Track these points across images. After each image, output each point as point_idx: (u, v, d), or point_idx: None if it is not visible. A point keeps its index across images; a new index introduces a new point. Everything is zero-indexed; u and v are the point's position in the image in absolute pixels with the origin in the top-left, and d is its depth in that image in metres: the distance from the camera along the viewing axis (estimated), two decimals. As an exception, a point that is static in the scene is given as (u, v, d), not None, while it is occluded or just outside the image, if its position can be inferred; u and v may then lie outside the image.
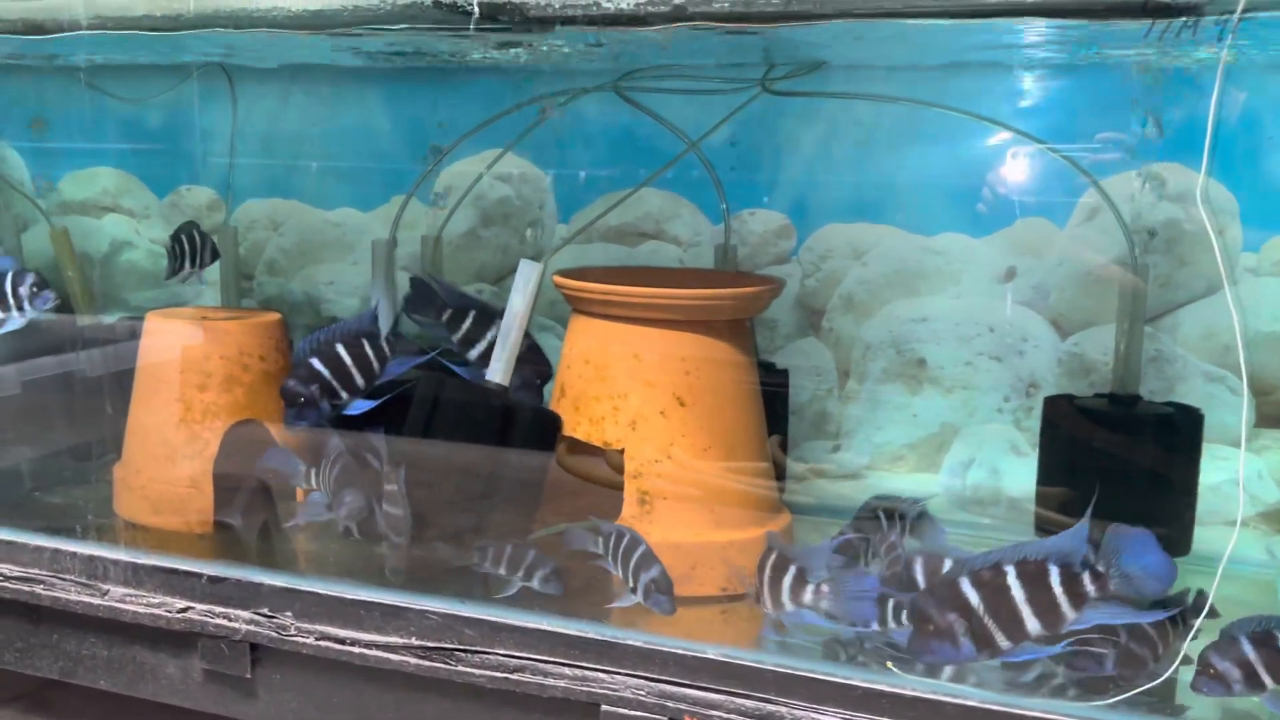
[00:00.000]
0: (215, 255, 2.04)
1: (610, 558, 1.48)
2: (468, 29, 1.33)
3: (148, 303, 1.93)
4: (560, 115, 2.00)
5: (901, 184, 1.88)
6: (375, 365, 1.64)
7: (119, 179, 2.42)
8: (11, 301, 1.73)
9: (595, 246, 2.07)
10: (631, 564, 1.44)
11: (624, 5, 1.27)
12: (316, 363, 1.60)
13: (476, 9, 1.32)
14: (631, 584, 1.44)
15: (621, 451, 1.58)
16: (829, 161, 1.92)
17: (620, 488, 1.60)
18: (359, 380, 1.62)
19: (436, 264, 2.09)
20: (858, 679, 1.27)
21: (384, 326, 1.81)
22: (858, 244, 1.93)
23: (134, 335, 1.88)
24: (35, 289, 1.73)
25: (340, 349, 1.61)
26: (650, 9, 1.26)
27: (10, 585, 1.61)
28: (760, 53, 1.75)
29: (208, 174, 2.32)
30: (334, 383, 1.60)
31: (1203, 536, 1.66)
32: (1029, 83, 1.80)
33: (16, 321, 1.76)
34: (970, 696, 1.24)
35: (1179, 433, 1.71)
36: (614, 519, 1.56)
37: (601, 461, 1.79)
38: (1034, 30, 1.47)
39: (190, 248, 2.00)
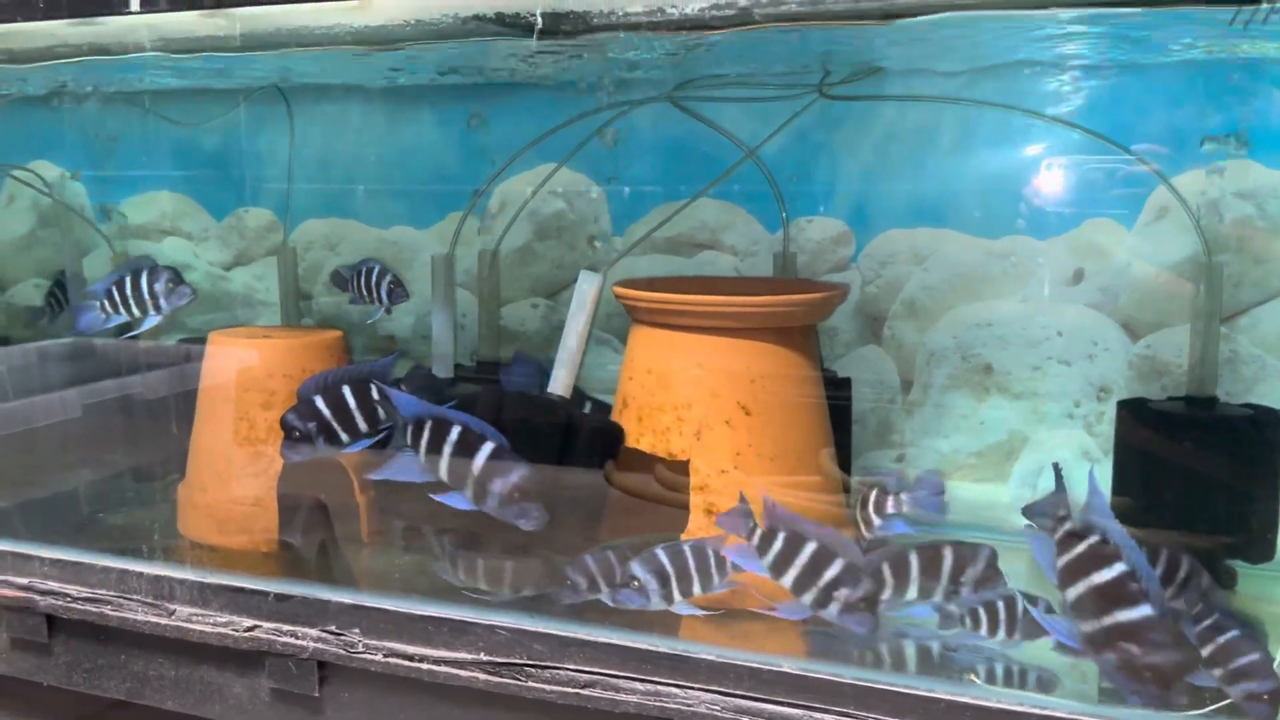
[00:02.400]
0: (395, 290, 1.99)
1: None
2: (530, 41, 1.32)
3: (206, 325, 1.95)
4: (614, 137, 1.99)
5: (962, 187, 1.85)
6: (379, 412, 1.64)
7: (177, 202, 2.45)
8: (148, 299, 1.73)
9: (650, 258, 2.05)
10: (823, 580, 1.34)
11: (689, 10, 1.26)
12: (319, 401, 1.60)
13: (539, 20, 1.32)
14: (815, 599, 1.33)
15: (674, 467, 1.56)
16: (887, 166, 1.89)
17: (671, 504, 1.58)
18: (361, 424, 1.63)
19: (493, 279, 2.09)
20: (941, 691, 1.23)
21: (444, 342, 1.81)
22: (919, 249, 1.90)
23: (191, 357, 1.89)
24: (171, 285, 1.72)
25: (346, 390, 1.62)
26: (715, 13, 1.24)
27: (78, 606, 1.62)
28: (817, 59, 1.73)
29: (265, 195, 2.34)
30: (333, 423, 1.61)
31: (1288, 542, 1.61)
32: (1092, 81, 1.77)
33: (153, 319, 1.75)
34: (1058, 708, 1.20)
35: (1259, 435, 1.65)
36: (672, 535, 1.54)
37: (650, 478, 1.77)
38: (1100, 23, 1.45)
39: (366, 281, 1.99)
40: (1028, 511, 1.31)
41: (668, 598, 1.41)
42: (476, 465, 1.43)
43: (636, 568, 1.42)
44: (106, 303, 1.77)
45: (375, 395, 1.63)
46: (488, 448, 1.44)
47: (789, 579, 1.34)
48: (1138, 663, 1.16)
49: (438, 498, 1.47)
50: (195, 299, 1.76)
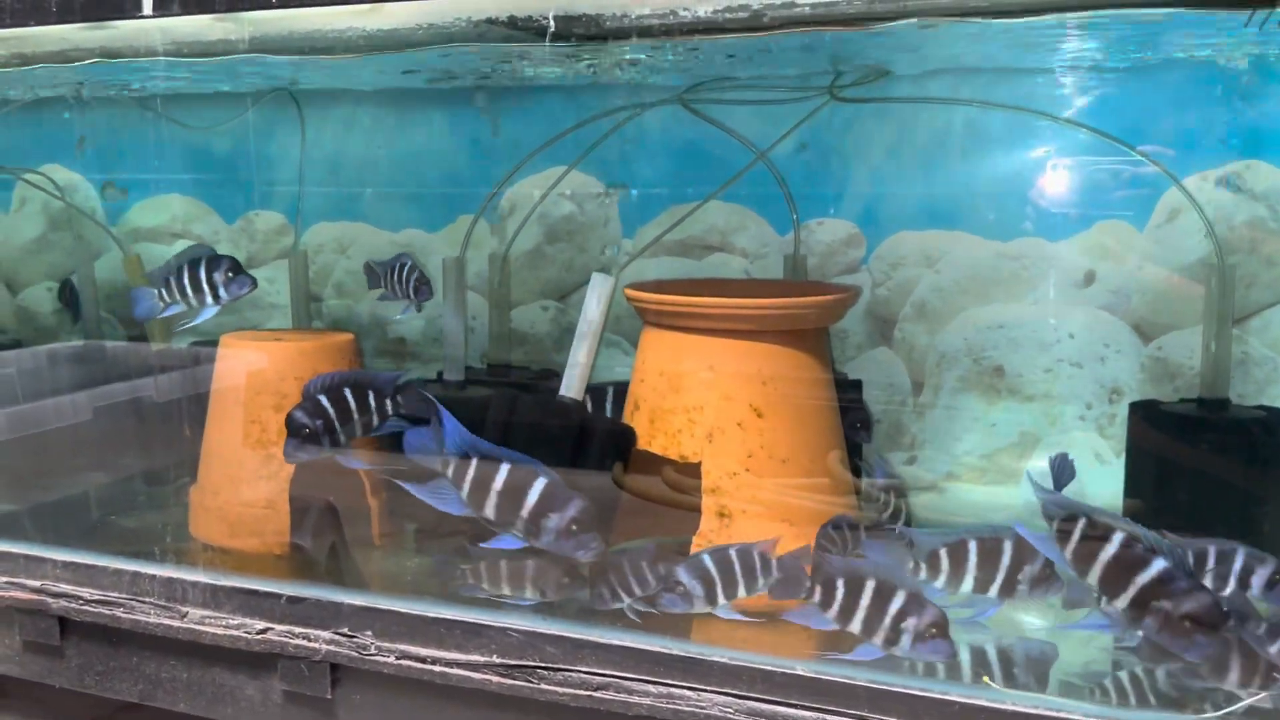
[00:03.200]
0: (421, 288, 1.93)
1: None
2: (543, 45, 1.32)
3: (217, 327, 1.96)
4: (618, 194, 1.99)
5: (973, 189, 1.85)
6: (375, 418, 1.65)
7: (188, 206, 2.46)
8: (206, 289, 1.70)
9: (660, 260, 2.05)
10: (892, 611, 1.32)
11: (701, 13, 1.26)
12: (324, 400, 1.61)
13: (552, 23, 1.32)
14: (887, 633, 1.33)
15: (684, 470, 1.56)
16: (898, 169, 1.89)
17: (679, 506, 1.57)
18: (358, 428, 1.63)
19: (504, 282, 2.09)
20: (955, 694, 1.23)
21: (454, 345, 1.81)
22: (930, 251, 1.90)
23: (201, 360, 1.88)
24: (231, 274, 1.69)
25: (347, 392, 1.62)
26: (728, 16, 1.24)
27: (90, 609, 1.62)
28: (827, 61, 1.73)
29: (276, 199, 2.34)
30: (336, 423, 1.61)
31: (1301, 544, 1.60)
32: (1103, 83, 1.77)
33: (211, 309, 1.72)
34: (1074, 711, 1.19)
35: (1271, 437, 1.65)
36: (684, 538, 1.54)
37: (659, 480, 1.77)
38: (1110, 27, 1.44)
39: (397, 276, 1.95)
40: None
41: (712, 600, 1.41)
42: (529, 502, 1.41)
43: (681, 572, 1.42)
44: (164, 290, 1.73)
45: (373, 401, 1.63)
46: (541, 483, 1.41)
47: (856, 624, 1.33)
48: (1174, 615, 1.17)
49: (486, 545, 1.45)
50: (255, 289, 1.73)
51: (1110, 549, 1.23)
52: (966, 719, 1.22)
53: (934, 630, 1.27)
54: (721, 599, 1.42)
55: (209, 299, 1.71)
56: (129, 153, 2.45)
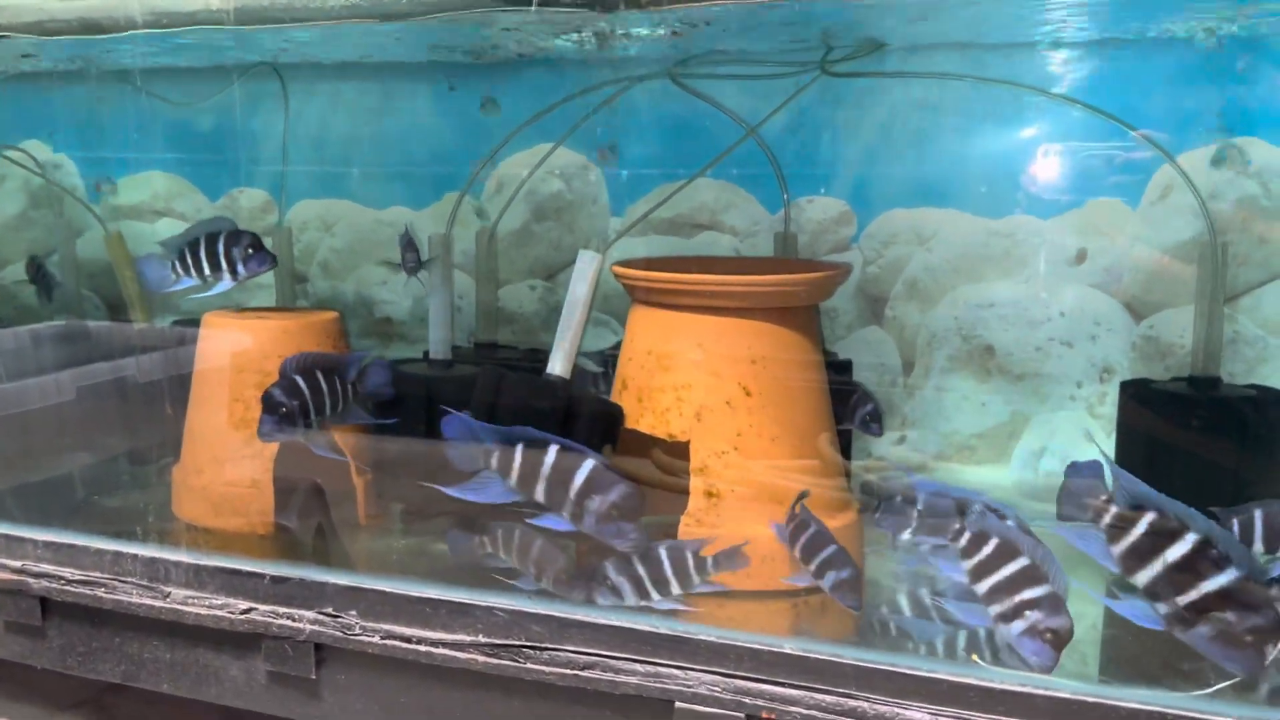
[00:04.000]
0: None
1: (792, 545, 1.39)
2: (529, 10, 1.30)
3: (201, 307, 1.93)
4: (612, 158, 1.97)
5: (965, 167, 1.84)
6: (342, 403, 1.63)
7: (171, 183, 2.43)
8: (224, 264, 1.65)
9: (649, 239, 2.04)
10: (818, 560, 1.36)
11: (688, -21, 1.24)
12: (300, 380, 1.59)
13: (538, -9, 1.30)
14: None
15: (671, 449, 1.54)
16: (889, 146, 1.87)
17: (667, 488, 1.56)
18: (327, 410, 1.62)
19: (491, 260, 2.07)
20: (943, 672, 1.22)
21: (441, 324, 1.79)
22: (921, 229, 1.88)
23: (185, 339, 1.86)
24: (250, 251, 1.64)
25: (319, 374, 1.60)
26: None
27: (72, 589, 1.60)
28: (818, 35, 1.71)
29: (260, 176, 2.31)
30: (310, 403, 1.59)
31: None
32: (1096, 58, 1.75)
33: (227, 283, 1.67)
34: (1062, 688, 1.19)
35: (1262, 416, 1.64)
36: (672, 518, 1.52)
37: (648, 462, 1.76)
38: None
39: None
40: (1067, 503, 1.26)
41: (643, 595, 1.40)
42: (576, 484, 1.38)
43: (610, 568, 1.41)
44: (178, 262, 1.67)
45: (339, 385, 1.61)
46: (588, 465, 1.39)
47: (983, 587, 1.27)
48: (1236, 630, 1.11)
49: (536, 522, 1.42)
50: (275, 267, 1.68)
51: (1181, 549, 1.13)
52: (955, 697, 1.21)
53: (1049, 634, 1.19)
54: (654, 595, 1.41)
55: (226, 275, 1.66)
56: (110, 129, 2.42)
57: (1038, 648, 1.20)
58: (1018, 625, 1.21)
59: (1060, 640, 1.19)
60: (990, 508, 1.43)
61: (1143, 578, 1.16)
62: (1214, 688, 1.20)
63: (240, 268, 1.65)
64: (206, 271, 1.67)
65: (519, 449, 1.41)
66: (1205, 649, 1.15)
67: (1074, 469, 1.27)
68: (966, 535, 1.30)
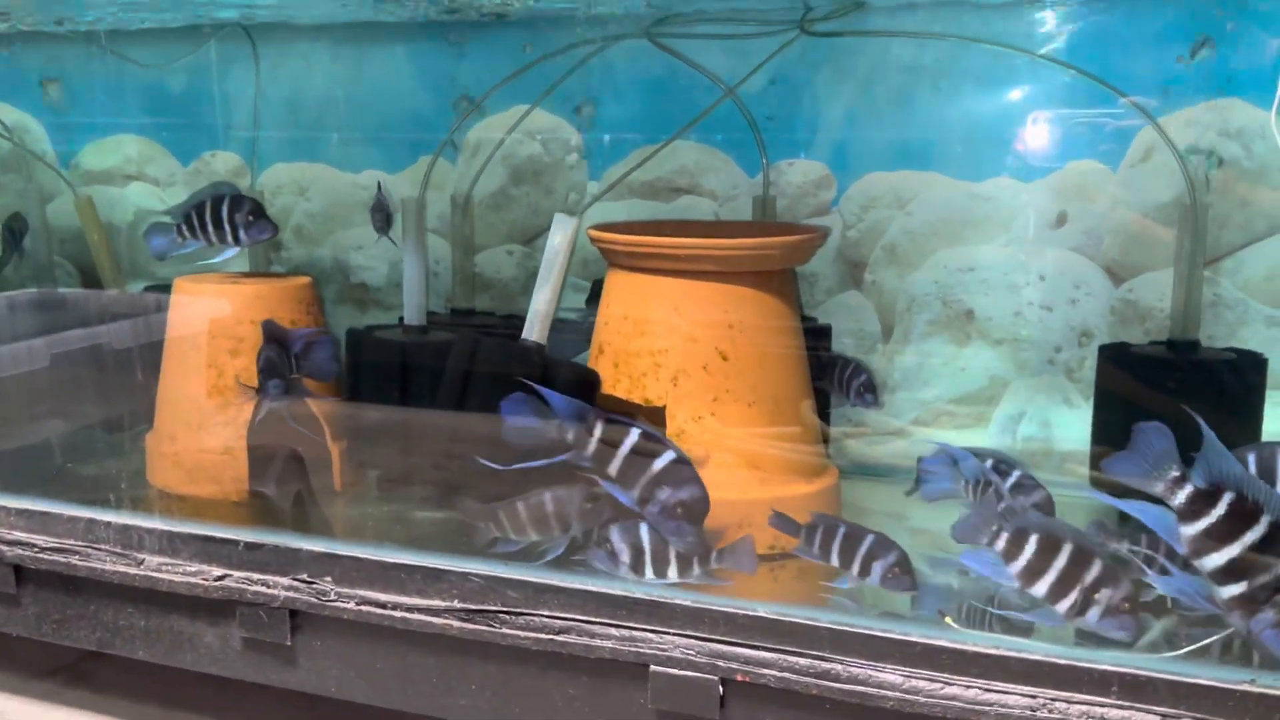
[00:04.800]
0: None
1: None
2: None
3: (175, 272, 1.91)
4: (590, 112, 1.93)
5: (946, 128, 1.82)
6: (289, 374, 1.64)
7: (142, 146, 2.39)
8: (228, 229, 1.64)
9: (627, 203, 2.01)
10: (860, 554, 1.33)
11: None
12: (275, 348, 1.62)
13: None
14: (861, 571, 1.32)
15: (647, 415, 1.53)
16: (870, 107, 1.85)
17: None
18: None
19: (467, 224, 2.05)
20: (916, 634, 1.22)
21: (415, 289, 1.77)
22: (901, 192, 1.87)
23: (161, 306, 1.84)
24: (250, 219, 1.63)
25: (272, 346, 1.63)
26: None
27: (45, 556, 1.59)
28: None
29: (232, 139, 2.28)
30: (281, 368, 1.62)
31: (1268, 486, 1.60)
32: (1077, 18, 1.73)
33: (231, 251, 1.67)
34: (1035, 651, 1.19)
35: (1241, 379, 1.64)
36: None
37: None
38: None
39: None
40: (1122, 473, 1.18)
41: (638, 571, 1.39)
42: (652, 470, 1.37)
43: (615, 534, 1.39)
44: (184, 226, 1.67)
45: (288, 358, 1.61)
46: (668, 456, 1.37)
47: (1042, 587, 1.23)
48: None
49: (607, 486, 1.41)
50: (277, 235, 1.68)
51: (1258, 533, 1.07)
52: (928, 659, 1.21)
53: (1126, 605, 1.15)
54: (650, 573, 1.39)
55: (229, 240, 1.65)
56: (80, 92, 2.38)
57: (1121, 622, 1.18)
58: (1093, 614, 1.19)
59: (1135, 604, 1.17)
60: (1002, 461, 1.42)
61: (1212, 560, 1.10)
62: (1186, 649, 1.20)
63: (242, 234, 1.65)
64: (211, 235, 1.67)
65: (598, 425, 1.40)
66: (1272, 640, 1.09)
67: (1142, 434, 1.18)
68: (1003, 539, 1.25)
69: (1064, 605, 1.21)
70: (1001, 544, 1.25)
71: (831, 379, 1.79)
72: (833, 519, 1.42)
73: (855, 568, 1.37)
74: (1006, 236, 1.82)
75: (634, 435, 1.37)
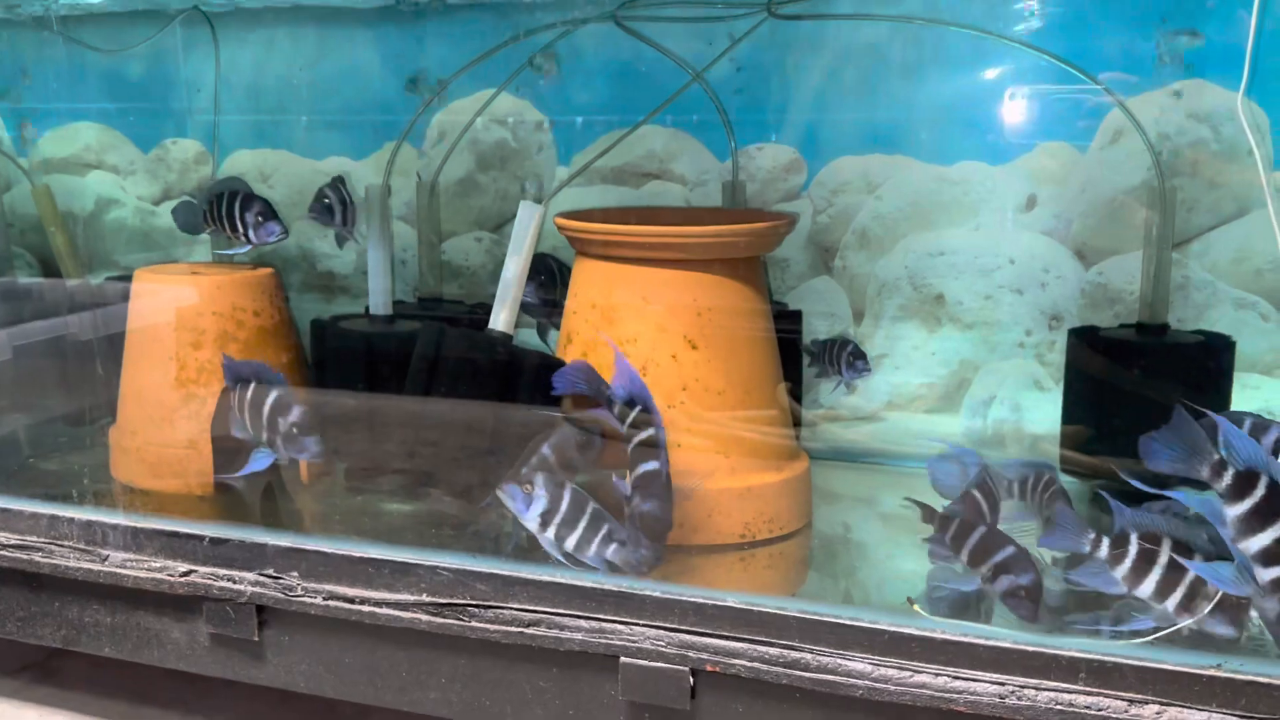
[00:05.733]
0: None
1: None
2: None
3: (137, 262, 1.87)
4: (550, 69, 1.91)
5: (916, 112, 1.80)
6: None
7: (101, 134, 2.34)
8: (240, 225, 1.66)
9: (596, 189, 1.99)
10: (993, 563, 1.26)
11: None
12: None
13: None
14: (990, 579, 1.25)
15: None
16: (839, 91, 1.84)
17: (613, 437, 1.54)
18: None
19: (433, 211, 2.02)
20: (884, 623, 1.22)
21: (380, 278, 1.75)
22: (871, 176, 1.86)
23: (125, 296, 1.81)
24: (260, 219, 1.64)
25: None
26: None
27: (7, 554, 1.57)
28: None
29: (193, 126, 2.24)
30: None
31: (1235, 468, 1.61)
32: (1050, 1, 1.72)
33: (243, 248, 1.69)
34: (1003, 638, 1.19)
35: (1210, 361, 1.65)
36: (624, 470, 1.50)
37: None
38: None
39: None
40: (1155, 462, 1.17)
41: (545, 526, 1.36)
42: (637, 471, 1.41)
43: (540, 483, 1.35)
44: (209, 211, 1.71)
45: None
46: (649, 466, 1.40)
47: (1147, 588, 1.20)
48: None
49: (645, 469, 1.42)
50: (286, 237, 1.69)
51: None
52: (896, 647, 1.21)
53: (1235, 602, 1.13)
54: (550, 533, 1.36)
55: (241, 237, 1.68)
56: (35, 78, 2.33)
57: (1223, 620, 1.16)
58: (1202, 609, 1.18)
59: (1242, 601, 1.14)
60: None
61: (1256, 543, 1.10)
62: (1154, 635, 1.20)
63: (251, 233, 1.67)
64: (226, 228, 1.70)
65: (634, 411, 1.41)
66: None
67: (1179, 419, 1.17)
68: (1105, 544, 1.22)
69: (1170, 603, 1.18)
70: (1104, 550, 1.22)
71: (821, 360, 1.81)
72: (975, 516, 1.33)
73: (984, 570, 1.30)
74: (977, 220, 1.82)
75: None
